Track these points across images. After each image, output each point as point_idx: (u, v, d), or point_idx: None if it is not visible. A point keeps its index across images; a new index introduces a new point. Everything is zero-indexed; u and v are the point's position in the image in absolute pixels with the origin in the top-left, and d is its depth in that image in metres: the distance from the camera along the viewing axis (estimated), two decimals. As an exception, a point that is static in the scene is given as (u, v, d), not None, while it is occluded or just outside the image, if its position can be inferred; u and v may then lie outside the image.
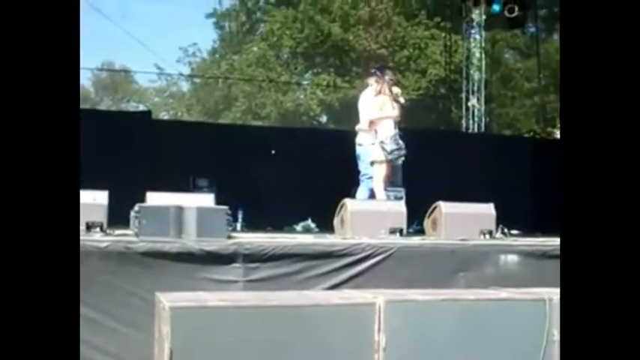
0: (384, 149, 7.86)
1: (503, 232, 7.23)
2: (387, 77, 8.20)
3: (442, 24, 22.84)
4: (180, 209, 5.47)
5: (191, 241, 5.36)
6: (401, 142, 7.95)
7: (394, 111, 8.03)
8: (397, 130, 8.01)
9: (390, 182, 8.05)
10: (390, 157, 7.86)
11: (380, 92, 8.18)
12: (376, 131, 7.99)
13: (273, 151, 13.31)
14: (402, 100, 8.15)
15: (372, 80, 8.40)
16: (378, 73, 8.35)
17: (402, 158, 7.95)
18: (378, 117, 8.06)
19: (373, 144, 7.98)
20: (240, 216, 9.89)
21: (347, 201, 6.67)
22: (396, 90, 8.23)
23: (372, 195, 7.93)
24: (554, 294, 4.63)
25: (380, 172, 7.92)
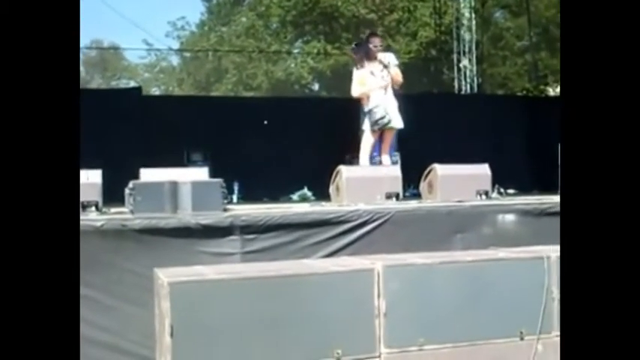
0: (369, 119, 7.88)
1: (499, 192, 7.22)
2: (371, 45, 8.15)
3: (431, -15, 22.69)
4: (174, 184, 5.45)
5: (187, 215, 5.34)
6: (389, 109, 7.91)
7: (380, 80, 7.97)
8: (388, 97, 7.96)
9: (377, 149, 8.04)
10: (374, 127, 7.86)
11: (358, 67, 8.19)
12: (367, 102, 8.00)
13: (265, 122, 13.29)
14: (390, 64, 8.05)
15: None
16: (354, 47, 8.38)
17: (388, 124, 7.91)
18: (360, 93, 8.08)
19: (363, 113, 8.00)
20: (235, 188, 9.89)
21: (342, 168, 6.64)
22: (384, 56, 8.15)
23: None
24: (552, 251, 4.64)
25: (366, 141, 7.94)
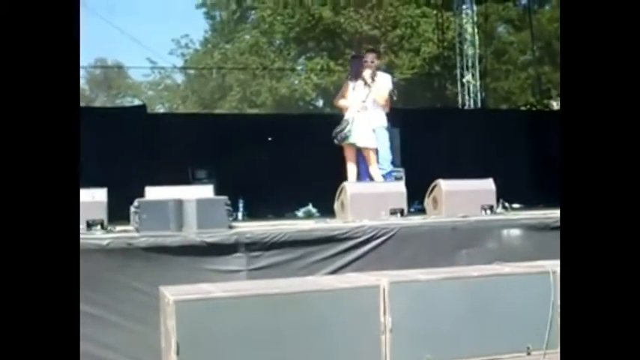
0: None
1: (504, 207, 7.21)
2: (364, 60, 8.23)
3: (433, 1, 22.75)
4: (179, 202, 5.46)
5: (192, 233, 5.35)
6: (356, 125, 7.89)
7: (358, 97, 8.00)
8: (365, 115, 7.96)
9: (365, 170, 8.04)
10: (333, 139, 7.92)
11: (349, 78, 8.36)
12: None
13: (269, 139, 13.30)
14: (376, 84, 8.07)
15: None
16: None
17: (346, 139, 7.90)
18: (338, 103, 8.31)
19: None
20: (240, 205, 9.88)
21: (346, 184, 6.66)
22: (380, 75, 8.17)
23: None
24: (558, 266, 4.62)
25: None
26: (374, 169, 7.88)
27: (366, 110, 7.95)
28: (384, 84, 8.12)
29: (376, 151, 7.94)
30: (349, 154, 8.01)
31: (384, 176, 7.93)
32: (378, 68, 8.29)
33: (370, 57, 8.33)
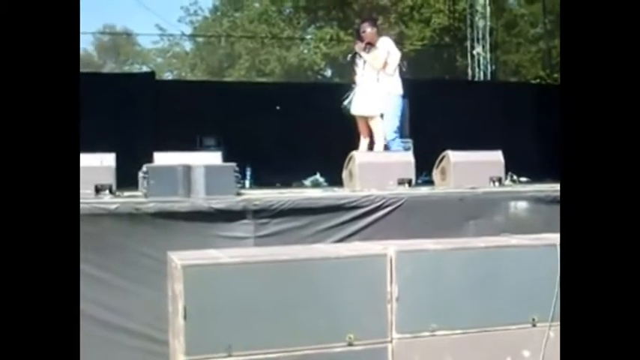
0: None
1: (512, 179, 7.21)
2: (361, 30, 8.24)
3: (445, -29, 22.60)
4: (188, 168, 5.47)
5: (200, 199, 5.36)
6: (356, 95, 8.00)
7: (358, 66, 8.07)
8: (363, 83, 8.02)
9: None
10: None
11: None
12: None
13: (277, 107, 13.29)
14: (361, 52, 8.07)
15: None
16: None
17: (347, 110, 7.98)
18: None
19: None
20: (248, 173, 9.90)
21: (355, 153, 6.65)
22: (359, 45, 8.18)
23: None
24: (564, 239, 4.62)
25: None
26: (377, 138, 7.88)
27: (364, 81, 7.96)
28: (381, 49, 8.08)
29: (378, 119, 7.94)
30: (360, 126, 8.02)
31: (387, 145, 7.92)
32: (379, 35, 8.26)
33: (364, 26, 8.32)
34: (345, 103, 7.94)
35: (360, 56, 8.04)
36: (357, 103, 7.95)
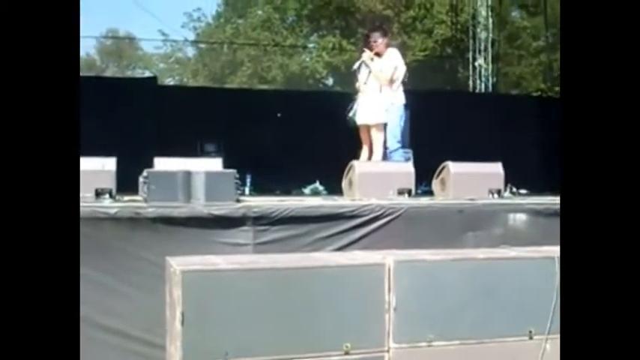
0: None
1: (511, 191, 7.21)
2: (371, 40, 8.21)
3: (448, -18, 22.61)
4: (188, 174, 5.47)
5: (200, 205, 5.37)
6: (360, 105, 7.96)
7: (362, 76, 8.05)
8: (367, 94, 7.99)
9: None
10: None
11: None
12: None
13: (279, 115, 13.30)
14: (368, 61, 8.06)
15: None
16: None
17: (351, 119, 7.96)
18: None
19: None
20: (248, 180, 9.88)
21: (355, 163, 6.66)
22: (366, 54, 8.16)
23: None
24: (563, 252, 4.63)
25: None
26: (375, 148, 7.87)
27: (367, 91, 7.95)
28: (388, 62, 8.07)
29: (380, 129, 7.93)
30: (362, 135, 8.02)
31: (389, 154, 7.92)
32: (388, 46, 8.25)
33: (375, 35, 8.29)
34: (350, 114, 7.92)
35: (367, 65, 8.02)
36: (361, 113, 7.93)
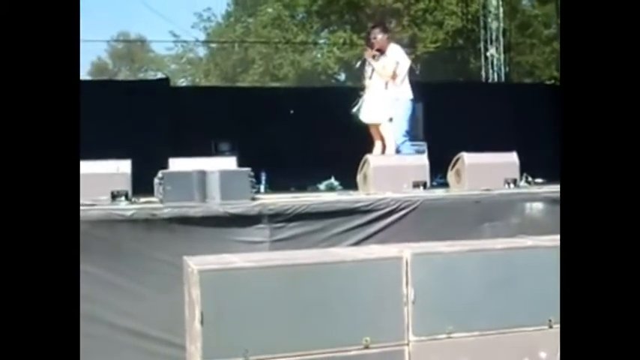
0: None
1: (527, 181, 7.18)
2: (371, 37, 8.20)
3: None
4: (203, 173, 5.49)
5: (216, 204, 5.38)
6: (365, 102, 7.98)
7: (366, 73, 8.07)
8: (371, 91, 8.01)
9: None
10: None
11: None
12: None
13: (292, 111, 13.31)
14: (370, 59, 8.06)
15: None
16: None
17: (356, 115, 7.99)
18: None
19: None
20: (263, 178, 9.91)
21: (369, 157, 6.65)
22: (368, 52, 8.15)
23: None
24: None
25: None
26: (388, 143, 7.87)
27: (372, 87, 7.95)
28: (389, 58, 8.06)
29: (388, 124, 7.92)
30: (372, 131, 8.02)
31: (398, 148, 7.91)
32: (389, 41, 8.23)
33: (374, 32, 8.27)
34: (354, 110, 7.93)
35: (370, 63, 8.02)
36: (366, 111, 7.95)
